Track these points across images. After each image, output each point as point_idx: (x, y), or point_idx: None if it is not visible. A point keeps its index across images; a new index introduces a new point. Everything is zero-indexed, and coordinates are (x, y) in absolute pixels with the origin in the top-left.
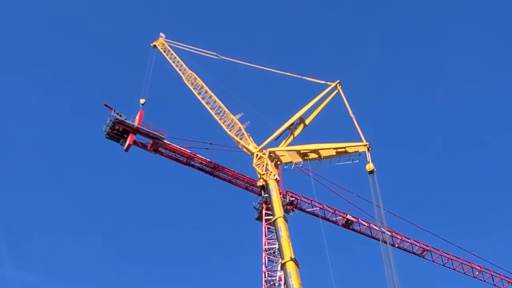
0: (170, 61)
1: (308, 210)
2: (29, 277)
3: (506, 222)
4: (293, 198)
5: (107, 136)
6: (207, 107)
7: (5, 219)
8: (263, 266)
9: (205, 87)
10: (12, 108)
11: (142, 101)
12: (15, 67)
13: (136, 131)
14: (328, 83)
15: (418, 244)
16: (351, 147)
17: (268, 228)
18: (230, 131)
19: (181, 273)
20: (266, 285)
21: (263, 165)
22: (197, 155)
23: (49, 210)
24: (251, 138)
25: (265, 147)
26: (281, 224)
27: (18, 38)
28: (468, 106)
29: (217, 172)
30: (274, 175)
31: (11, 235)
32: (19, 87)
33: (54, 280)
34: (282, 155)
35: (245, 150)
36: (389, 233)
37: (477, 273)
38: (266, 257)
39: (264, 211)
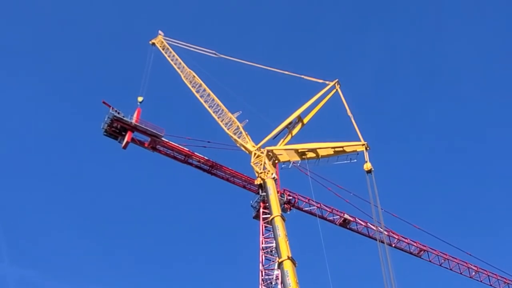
0: (169, 59)
1: (306, 209)
2: (28, 274)
3: (503, 223)
4: (291, 197)
5: (105, 133)
6: (205, 105)
7: (4, 217)
8: (260, 264)
9: (204, 85)
10: (10, 105)
11: (140, 99)
12: (14, 65)
13: (134, 128)
14: (327, 82)
15: (415, 244)
16: (349, 146)
17: (265, 226)
18: (228, 129)
19: (178, 271)
20: (263, 284)
21: (261, 164)
22: (195, 153)
23: (47, 208)
24: (249, 136)
25: (263, 146)
26: (278, 223)
27: (16, 36)
28: (466, 106)
29: (215, 170)
30: (272, 174)
31: (10, 233)
32: (18, 85)
33: (53, 277)
34: (280, 154)
35: (243, 148)
36: (386, 233)
37: (473, 273)
38: (263, 256)
39: (261, 210)
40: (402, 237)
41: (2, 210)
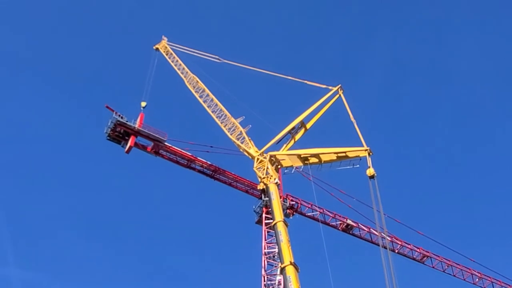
0: (172, 64)
1: (308, 214)
2: (33, 277)
3: (507, 229)
4: (293, 202)
5: (108, 138)
6: (209, 110)
7: (10, 220)
8: (263, 270)
9: (207, 91)
10: (15, 110)
11: (143, 104)
12: (18, 69)
13: (137, 133)
14: (330, 87)
15: (418, 250)
16: (351, 151)
17: (268, 232)
18: (231, 134)
19: (180, 275)
20: None
21: (264, 169)
22: (198, 158)
23: (52, 211)
24: (252, 141)
25: (266, 151)
26: (281, 228)
27: (21, 40)
28: (470, 112)
29: (218, 175)
30: (275, 179)
31: (15, 236)
32: (22, 89)
33: (58, 280)
34: (283, 159)
35: (246, 153)
36: (389, 239)
37: (477, 280)
38: (265, 261)
39: (264, 215)
40: (405, 243)
41: (8, 213)
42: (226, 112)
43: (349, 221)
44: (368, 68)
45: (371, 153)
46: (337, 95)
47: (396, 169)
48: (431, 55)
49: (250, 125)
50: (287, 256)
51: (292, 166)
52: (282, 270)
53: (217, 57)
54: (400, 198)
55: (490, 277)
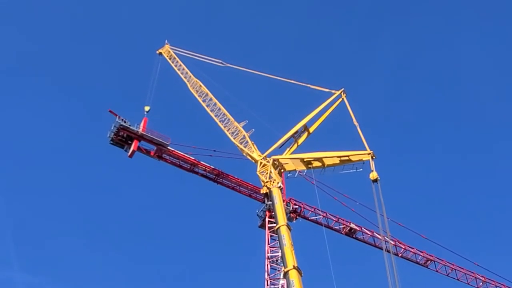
0: (176, 68)
1: (312, 218)
2: (37, 280)
3: (511, 233)
4: (297, 206)
5: (111, 142)
6: (212, 114)
7: (13, 223)
8: (266, 274)
9: (210, 95)
10: (17, 113)
11: (146, 108)
12: (21, 72)
13: (140, 137)
14: (333, 91)
15: (421, 254)
16: (355, 155)
17: (271, 236)
18: (234, 138)
19: (182, 278)
20: None
21: (267, 173)
22: (201, 162)
23: (55, 215)
24: (255, 145)
25: (269, 155)
26: (284, 232)
27: (24, 44)
28: (474, 116)
29: (221, 179)
30: (278, 183)
31: (19, 240)
32: (25, 92)
33: (62, 283)
34: (286, 163)
35: (249, 157)
36: (392, 242)
37: (481, 283)
38: (268, 265)
39: (267, 219)
40: (409, 246)
41: (11, 216)
42: (229, 116)
43: (352, 225)
44: (371, 72)
45: (374, 157)
46: (340, 99)
47: (399, 173)
48: (434, 58)
49: (253, 129)
50: (290, 260)
51: (295, 170)
52: (285, 274)
53: (220, 61)
54: (404, 201)
55: (494, 281)
